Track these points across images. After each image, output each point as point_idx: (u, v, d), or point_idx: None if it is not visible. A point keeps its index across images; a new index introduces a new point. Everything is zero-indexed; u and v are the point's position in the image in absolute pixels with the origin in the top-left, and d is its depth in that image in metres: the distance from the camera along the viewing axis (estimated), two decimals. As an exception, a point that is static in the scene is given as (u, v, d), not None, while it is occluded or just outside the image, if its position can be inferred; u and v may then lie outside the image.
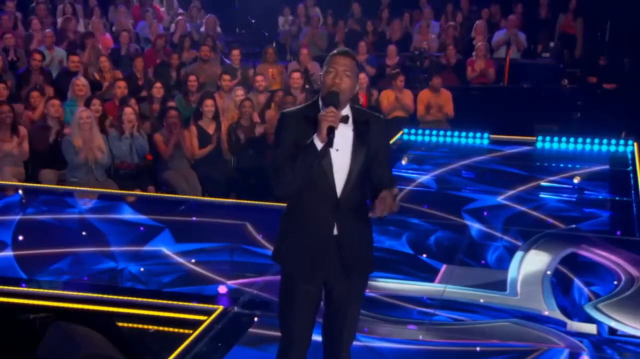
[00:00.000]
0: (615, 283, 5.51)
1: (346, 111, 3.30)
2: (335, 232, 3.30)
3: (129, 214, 7.04)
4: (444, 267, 5.77)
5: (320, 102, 3.31)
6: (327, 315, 3.47)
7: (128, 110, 8.00)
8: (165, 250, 6.06)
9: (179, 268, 5.72)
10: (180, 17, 13.04)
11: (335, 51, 3.35)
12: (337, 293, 3.38)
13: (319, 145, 3.18)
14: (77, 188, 7.65)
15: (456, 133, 10.09)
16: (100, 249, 6.06)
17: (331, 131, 3.16)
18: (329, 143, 3.17)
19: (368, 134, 3.31)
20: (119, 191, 7.64)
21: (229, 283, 5.44)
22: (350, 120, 3.30)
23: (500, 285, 5.46)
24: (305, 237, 3.31)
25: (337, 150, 3.25)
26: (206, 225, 6.93)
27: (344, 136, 3.26)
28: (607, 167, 8.84)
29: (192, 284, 5.44)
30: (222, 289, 5.35)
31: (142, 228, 6.65)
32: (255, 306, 5.02)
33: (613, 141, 9.68)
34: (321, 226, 3.29)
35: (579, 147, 9.77)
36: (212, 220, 7.04)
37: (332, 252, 3.30)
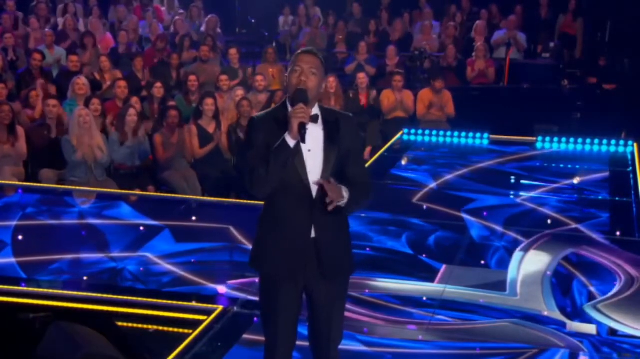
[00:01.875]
0: (615, 283, 5.51)
1: (315, 110, 3.31)
2: (312, 234, 3.29)
3: (128, 214, 7.03)
4: (444, 267, 5.77)
5: (288, 103, 3.30)
6: (311, 318, 3.46)
7: (131, 111, 7.99)
8: (165, 250, 6.06)
9: (177, 268, 5.71)
10: (178, 17, 13.05)
11: (299, 50, 3.36)
12: (318, 295, 3.37)
13: (291, 142, 3.18)
14: (77, 188, 7.65)
15: (456, 133, 10.08)
16: (99, 249, 6.06)
17: (302, 127, 3.15)
18: (301, 139, 3.16)
19: (338, 133, 3.30)
20: (119, 191, 7.65)
21: (229, 282, 5.44)
22: (320, 120, 3.30)
23: (500, 285, 5.46)
24: (282, 240, 3.30)
25: (309, 150, 3.24)
26: (206, 224, 6.93)
27: (315, 136, 3.25)
28: (607, 167, 8.83)
29: (191, 284, 5.44)
30: (221, 289, 5.35)
31: (141, 228, 6.65)
32: (254, 306, 5.00)
33: (613, 142, 9.67)
34: (298, 229, 3.28)
35: (579, 147, 9.76)
36: (211, 219, 7.04)
37: (310, 254, 3.30)
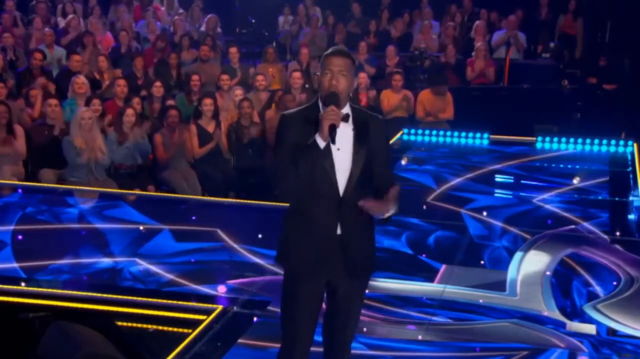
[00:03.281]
0: (615, 283, 5.51)
1: (346, 109, 3.33)
2: (338, 231, 3.31)
3: (128, 214, 7.03)
4: (443, 267, 5.77)
5: (319, 103, 3.33)
6: (329, 314, 3.47)
7: (129, 111, 7.98)
8: (165, 250, 6.06)
9: (177, 268, 5.71)
10: (177, 17, 13.04)
11: (330, 51, 3.35)
12: (341, 292, 3.38)
13: (321, 144, 3.21)
14: (77, 187, 7.65)
15: (456, 133, 10.08)
16: (99, 249, 6.06)
17: (333, 129, 3.19)
18: (331, 140, 3.20)
19: (368, 133, 3.33)
20: (119, 191, 7.64)
21: (228, 282, 5.44)
22: (351, 119, 3.32)
23: (499, 285, 5.46)
24: (308, 237, 3.32)
25: (338, 149, 3.27)
26: (206, 224, 6.92)
27: (345, 135, 3.28)
28: (607, 167, 8.83)
29: (190, 284, 5.44)
30: (221, 288, 5.35)
31: (141, 228, 6.65)
32: (254, 305, 5.01)
33: (613, 142, 9.68)
34: (324, 226, 3.30)
35: (579, 147, 9.76)
36: (211, 219, 7.03)
37: (336, 252, 3.31)
